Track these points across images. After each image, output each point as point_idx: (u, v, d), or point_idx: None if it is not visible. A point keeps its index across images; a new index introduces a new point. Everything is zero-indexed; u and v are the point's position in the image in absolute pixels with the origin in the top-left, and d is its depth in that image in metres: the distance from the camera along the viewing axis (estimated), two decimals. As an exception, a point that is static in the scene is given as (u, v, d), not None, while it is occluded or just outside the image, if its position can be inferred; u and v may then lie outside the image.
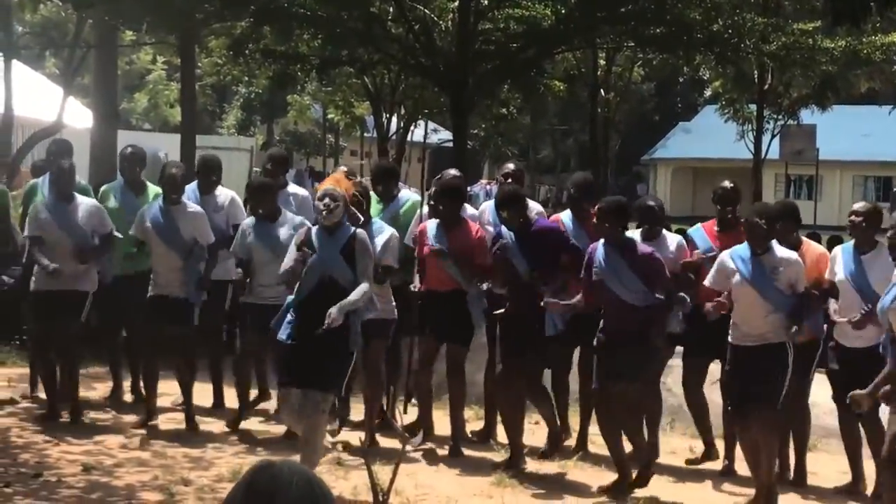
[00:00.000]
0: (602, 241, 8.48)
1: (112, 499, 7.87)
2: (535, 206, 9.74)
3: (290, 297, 8.11)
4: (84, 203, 10.04)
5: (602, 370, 8.46)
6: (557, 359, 9.34)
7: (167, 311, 9.70)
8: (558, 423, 9.41)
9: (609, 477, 8.75)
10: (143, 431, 9.62)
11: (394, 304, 9.32)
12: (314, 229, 8.19)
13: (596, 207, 8.59)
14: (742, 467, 8.93)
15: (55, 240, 9.80)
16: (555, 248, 8.85)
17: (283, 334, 8.00)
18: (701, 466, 9.38)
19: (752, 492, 8.43)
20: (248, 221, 9.86)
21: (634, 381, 8.40)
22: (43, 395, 10.26)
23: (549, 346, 8.87)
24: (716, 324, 8.44)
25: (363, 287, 7.92)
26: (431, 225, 9.40)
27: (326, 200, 7.96)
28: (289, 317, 8.01)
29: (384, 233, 9.05)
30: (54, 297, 9.79)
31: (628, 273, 8.32)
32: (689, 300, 8.93)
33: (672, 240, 9.29)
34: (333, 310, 7.71)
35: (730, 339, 8.23)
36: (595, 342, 8.55)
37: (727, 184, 9.43)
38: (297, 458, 7.67)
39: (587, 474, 8.98)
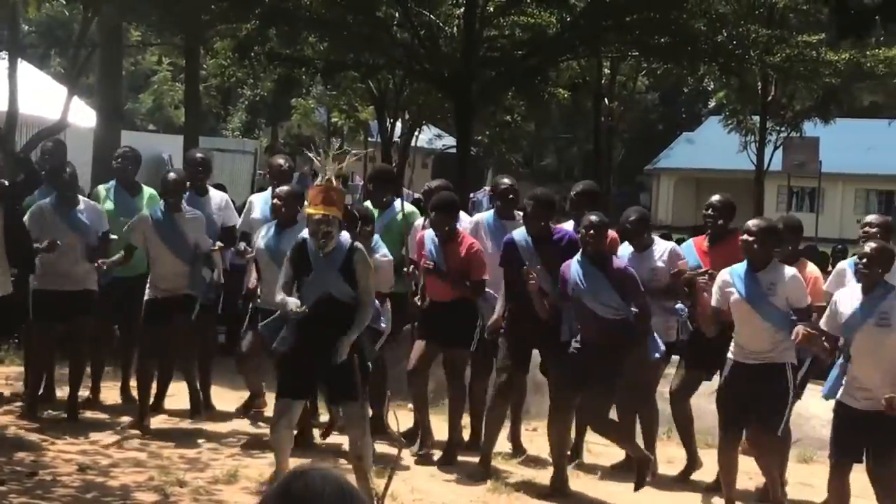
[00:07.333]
0: (576, 257, 8.51)
1: (107, 499, 7.85)
2: (465, 217, 10.06)
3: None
4: (88, 204, 10.13)
5: (572, 380, 8.49)
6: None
7: (171, 307, 9.72)
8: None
9: (605, 487, 8.76)
10: (138, 431, 9.64)
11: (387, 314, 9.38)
12: (310, 244, 7.82)
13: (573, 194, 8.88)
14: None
15: (66, 242, 9.70)
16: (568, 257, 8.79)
17: (281, 346, 7.85)
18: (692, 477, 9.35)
19: None
20: (265, 226, 9.72)
21: (610, 394, 8.46)
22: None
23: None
24: (715, 339, 8.39)
25: (362, 315, 7.72)
26: (428, 236, 9.44)
27: (320, 236, 7.65)
28: (283, 332, 7.81)
29: (379, 253, 9.06)
30: (64, 297, 9.84)
31: (607, 289, 8.36)
32: (685, 311, 8.94)
33: (663, 248, 9.25)
34: (340, 346, 7.60)
35: (730, 355, 8.11)
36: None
37: (717, 197, 9.37)
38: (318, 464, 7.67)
39: (582, 483, 8.96)
